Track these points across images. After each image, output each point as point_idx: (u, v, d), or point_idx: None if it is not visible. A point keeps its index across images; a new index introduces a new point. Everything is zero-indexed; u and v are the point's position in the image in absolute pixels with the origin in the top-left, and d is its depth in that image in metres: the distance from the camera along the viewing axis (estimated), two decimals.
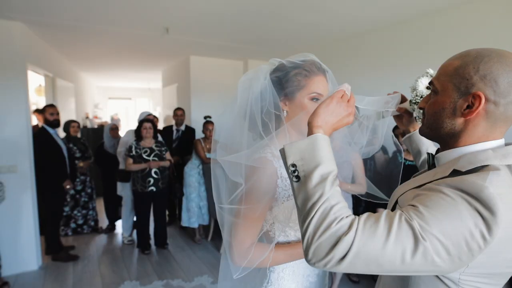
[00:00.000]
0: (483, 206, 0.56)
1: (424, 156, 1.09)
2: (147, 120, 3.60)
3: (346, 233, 0.58)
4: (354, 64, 3.66)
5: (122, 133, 4.49)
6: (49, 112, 3.32)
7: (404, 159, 2.42)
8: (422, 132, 0.79)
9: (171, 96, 6.09)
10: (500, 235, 0.56)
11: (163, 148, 3.60)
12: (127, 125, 9.58)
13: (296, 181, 0.66)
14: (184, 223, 3.90)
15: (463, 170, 0.64)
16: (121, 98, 10.99)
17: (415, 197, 0.65)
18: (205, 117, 4.01)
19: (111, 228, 4.30)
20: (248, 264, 0.94)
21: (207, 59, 5.11)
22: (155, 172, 3.47)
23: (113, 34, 3.66)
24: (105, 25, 3.29)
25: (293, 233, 1.00)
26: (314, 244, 0.59)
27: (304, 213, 0.63)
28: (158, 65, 6.02)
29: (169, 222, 4.42)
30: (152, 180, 3.45)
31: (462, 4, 2.66)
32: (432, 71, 0.96)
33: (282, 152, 0.70)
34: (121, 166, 3.75)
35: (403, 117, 1.10)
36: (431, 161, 0.79)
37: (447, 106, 0.69)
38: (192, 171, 3.89)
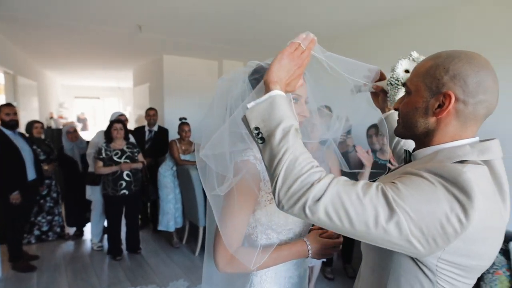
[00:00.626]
0: (460, 190, 0.58)
1: (397, 139, 1.12)
2: (118, 120, 3.47)
3: (319, 179, 0.61)
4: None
5: (89, 133, 4.29)
6: (4, 112, 3.08)
7: (378, 158, 2.51)
8: (397, 132, 0.81)
9: (142, 96, 5.92)
10: (476, 222, 0.58)
11: (135, 150, 3.48)
12: (95, 126, 9.18)
13: (261, 143, 0.68)
14: (162, 226, 3.78)
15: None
16: (89, 97, 10.52)
17: (395, 180, 0.65)
18: (180, 119, 3.94)
19: (79, 234, 4.09)
20: (233, 270, 0.93)
21: (181, 58, 5.02)
22: (127, 175, 3.34)
23: (82, 30, 3.49)
24: (73, 21, 3.13)
25: (276, 236, 1.00)
26: (286, 195, 0.62)
27: (272, 170, 0.65)
28: (129, 63, 5.82)
29: (141, 226, 4.28)
30: (124, 183, 3.32)
31: (430, 12, 2.81)
32: (417, 54, 0.95)
33: (245, 119, 0.71)
34: (91, 169, 3.58)
35: (379, 95, 1.10)
36: (408, 158, 0.81)
37: (420, 105, 0.71)
38: (166, 173, 3.80)
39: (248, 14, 2.99)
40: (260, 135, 0.68)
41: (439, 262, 0.64)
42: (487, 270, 2.13)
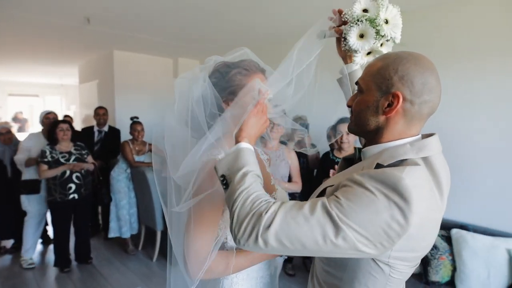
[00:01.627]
0: (399, 197, 0.62)
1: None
2: (64, 120, 3.19)
3: (267, 209, 0.65)
4: None
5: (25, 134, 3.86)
6: None
7: (334, 156, 2.61)
8: (350, 130, 0.85)
9: (90, 94, 5.50)
10: (416, 223, 0.63)
11: (83, 152, 3.22)
12: (33, 127, 8.36)
13: (225, 188, 0.75)
14: (114, 233, 3.55)
15: (385, 164, 0.70)
16: (25, 95, 9.52)
17: (341, 187, 0.69)
18: (131, 118, 3.72)
19: (17, 246, 3.65)
20: (206, 276, 0.89)
21: (133, 54, 4.76)
22: (77, 177, 3.08)
23: (21, 20, 3.13)
24: (11, 9, 2.79)
25: None
26: (241, 228, 0.66)
27: (230, 211, 0.70)
28: (74, 58, 5.37)
29: (92, 234, 3.98)
30: (74, 187, 3.05)
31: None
32: None
33: (215, 169, 0.78)
34: (24, 177, 3.21)
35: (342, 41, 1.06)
36: (358, 155, 0.85)
37: (370, 104, 0.75)
38: (119, 176, 3.57)
39: (206, 12, 2.93)
40: (224, 182, 0.75)
41: (390, 259, 0.71)
42: (432, 256, 2.33)
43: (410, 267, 0.76)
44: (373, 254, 0.66)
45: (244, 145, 0.79)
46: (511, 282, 2.11)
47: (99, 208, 4.15)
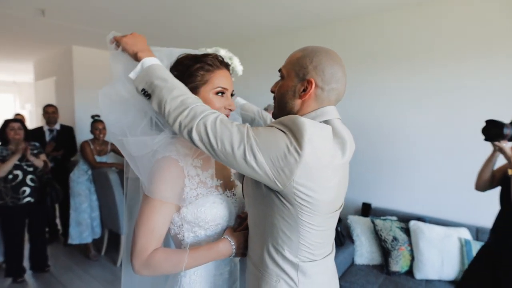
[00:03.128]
0: (295, 128, 0.72)
1: (257, 120, 1.47)
2: (15, 119, 2.97)
3: (203, 110, 0.77)
4: (255, 67, 3.82)
5: None
6: None
7: None
8: (273, 115, 0.94)
9: (47, 92, 5.18)
10: (310, 153, 0.71)
11: (36, 151, 3.02)
12: None
13: (149, 99, 0.82)
14: (74, 240, 3.35)
15: None
16: None
17: None
18: (92, 116, 3.55)
19: None
20: (150, 273, 0.86)
21: (94, 50, 4.55)
22: (31, 179, 2.87)
23: None
24: None
25: (203, 232, 0.97)
26: (177, 120, 0.77)
27: (162, 109, 0.79)
28: (29, 54, 5.03)
29: (50, 240, 3.75)
30: (28, 190, 2.84)
31: (353, 18, 3.08)
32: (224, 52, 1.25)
33: (136, 89, 0.85)
34: None
35: None
36: None
37: (289, 89, 0.86)
38: (80, 178, 3.38)
39: (173, 8, 2.85)
40: (146, 93, 0.82)
41: (296, 196, 0.76)
42: (393, 247, 2.43)
43: (318, 214, 0.80)
44: (278, 181, 0.74)
45: (149, 61, 0.84)
46: (462, 268, 2.26)
47: (57, 213, 3.91)
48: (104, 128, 3.46)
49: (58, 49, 4.65)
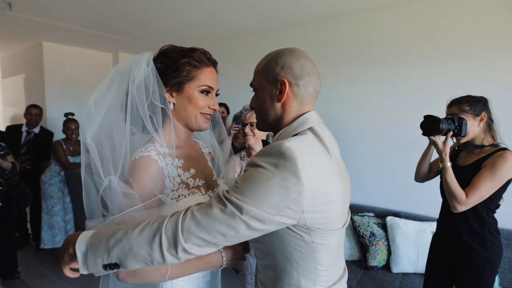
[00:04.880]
0: (283, 159, 0.68)
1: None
2: None
3: (176, 222, 0.68)
4: (229, 65, 3.80)
5: None
6: None
7: None
8: (258, 127, 0.91)
9: (15, 90, 4.91)
10: (308, 177, 0.68)
11: (2, 153, 2.86)
12: None
13: (118, 268, 0.71)
14: (46, 244, 3.20)
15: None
16: None
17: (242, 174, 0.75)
18: (65, 114, 3.39)
19: None
20: (136, 281, 0.83)
21: (66, 47, 4.36)
22: None
23: None
24: None
25: None
26: (164, 253, 0.68)
27: (139, 261, 0.70)
28: None
29: (20, 246, 3.56)
30: None
31: (321, 19, 3.12)
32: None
33: (94, 272, 0.73)
34: None
35: None
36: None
37: (266, 97, 0.84)
38: (52, 180, 3.24)
39: (150, 4, 2.78)
40: (113, 267, 0.70)
41: (308, 222, 0.72)
42: (370, 243, 2.49)
43: (330, 231, 0.77)
44: (288, 222, 0.70)
45: (80, 240, 0.72)
46: None
47: (28, 217, 3.73)
48: (77, 128, 3.33)
49: (27, 45, 4.42)
